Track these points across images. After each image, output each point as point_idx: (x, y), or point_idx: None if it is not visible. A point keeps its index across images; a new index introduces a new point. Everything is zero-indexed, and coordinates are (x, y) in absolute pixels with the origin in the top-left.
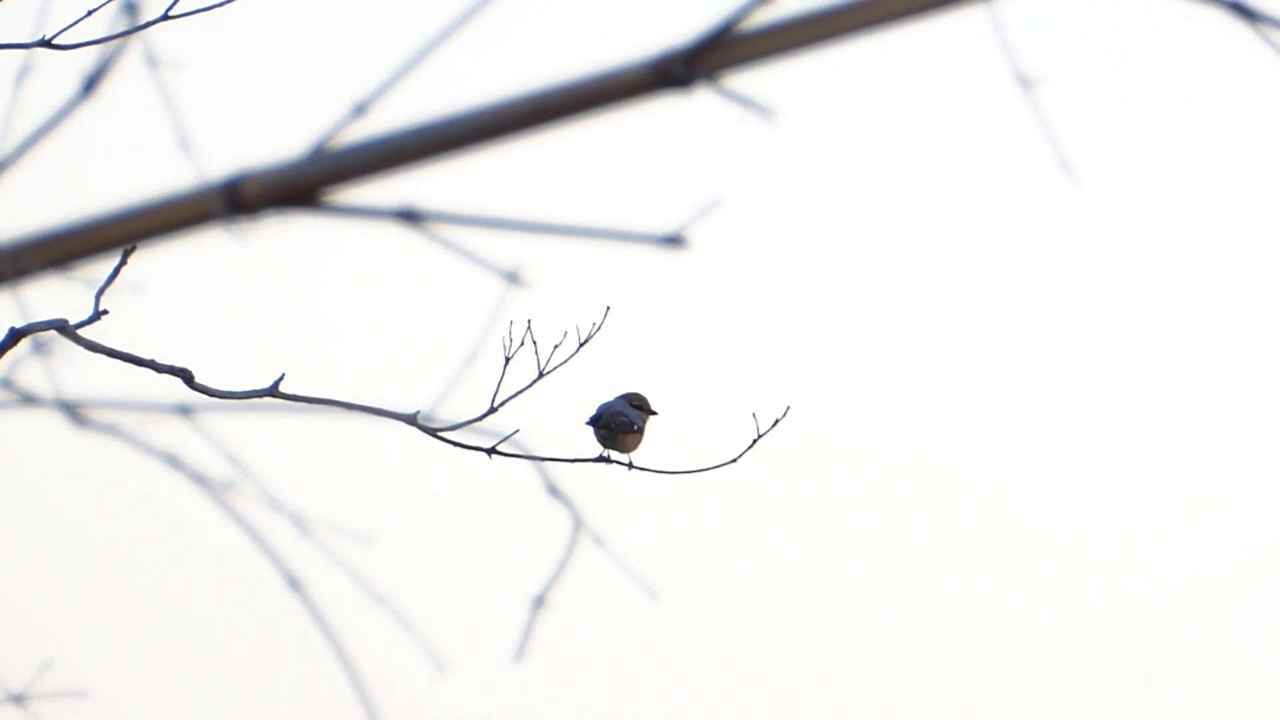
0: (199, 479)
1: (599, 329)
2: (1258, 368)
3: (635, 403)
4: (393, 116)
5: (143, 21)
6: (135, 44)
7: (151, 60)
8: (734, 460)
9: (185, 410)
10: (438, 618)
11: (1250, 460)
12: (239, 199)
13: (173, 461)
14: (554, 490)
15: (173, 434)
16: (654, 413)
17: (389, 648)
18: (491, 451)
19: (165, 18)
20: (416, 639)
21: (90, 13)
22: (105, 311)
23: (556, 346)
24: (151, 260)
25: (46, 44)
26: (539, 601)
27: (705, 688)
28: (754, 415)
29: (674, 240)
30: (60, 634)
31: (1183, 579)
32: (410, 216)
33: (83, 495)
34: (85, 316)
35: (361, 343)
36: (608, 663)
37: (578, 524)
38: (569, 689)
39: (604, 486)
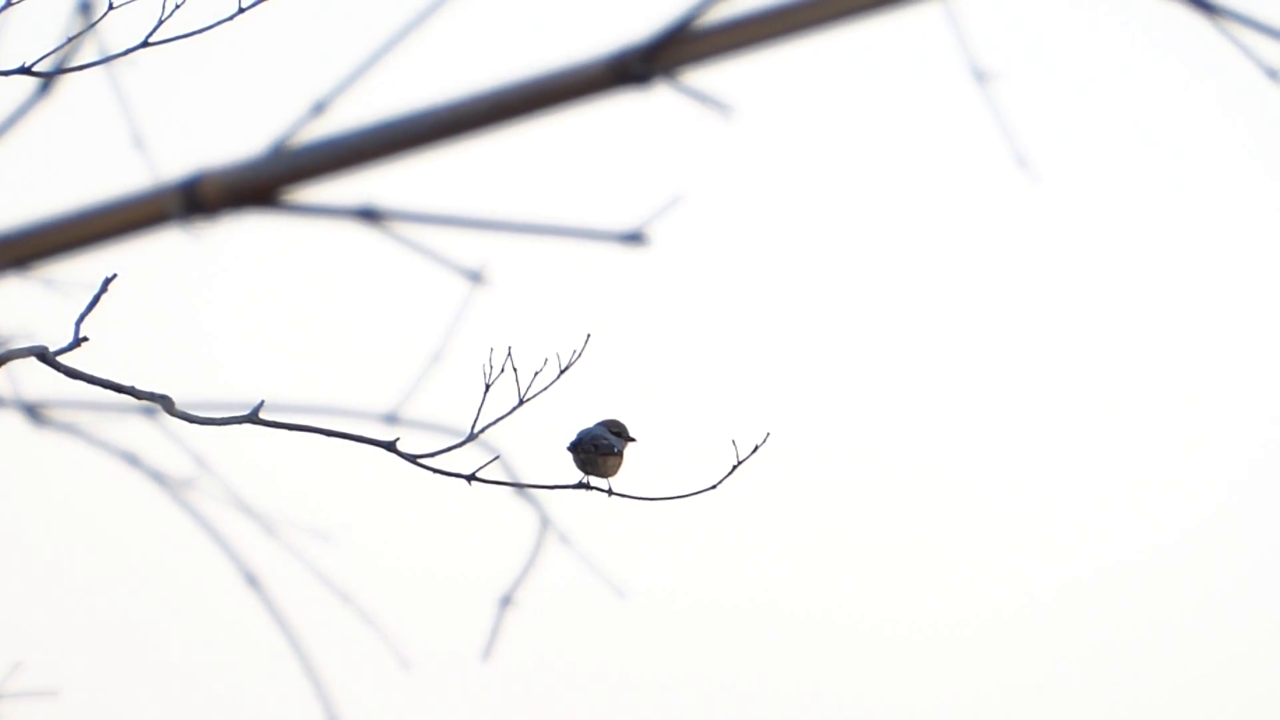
0: (157, 477)
1: (578, 357)
2: (1205, 360)
3: (614, 429)
4: (352, 115)
5: (96, 18)
6: (90, 43)
7: (106, 56)
8: (714, 486)
9: (149, 411)
10: (403, 616)
11: (1182, 450)
12: (197, 199)
13: (131, 460)
14: (521, 490)
15: (136, 435)
16: (633, 439)
17: (355, 646)
18: (471, 478)
19: (146, 44)
20: (382, 637)
21: (69, 40)
22: (85, 339)
23: (537, 373)
24: (119, 273)
25: (26, 71)
26: (506, 601)
27: (679, 711)
28: (733, 442)
29: (635, 237)
30: (28, 633)
31: (1134, 562)
32: (370, 215)
33: (43, 495)
34: (65, 344)
35: (324, 342)
36: (576, 666)
37: (545, 524)
38: (536, 690)
39: (584, 512)
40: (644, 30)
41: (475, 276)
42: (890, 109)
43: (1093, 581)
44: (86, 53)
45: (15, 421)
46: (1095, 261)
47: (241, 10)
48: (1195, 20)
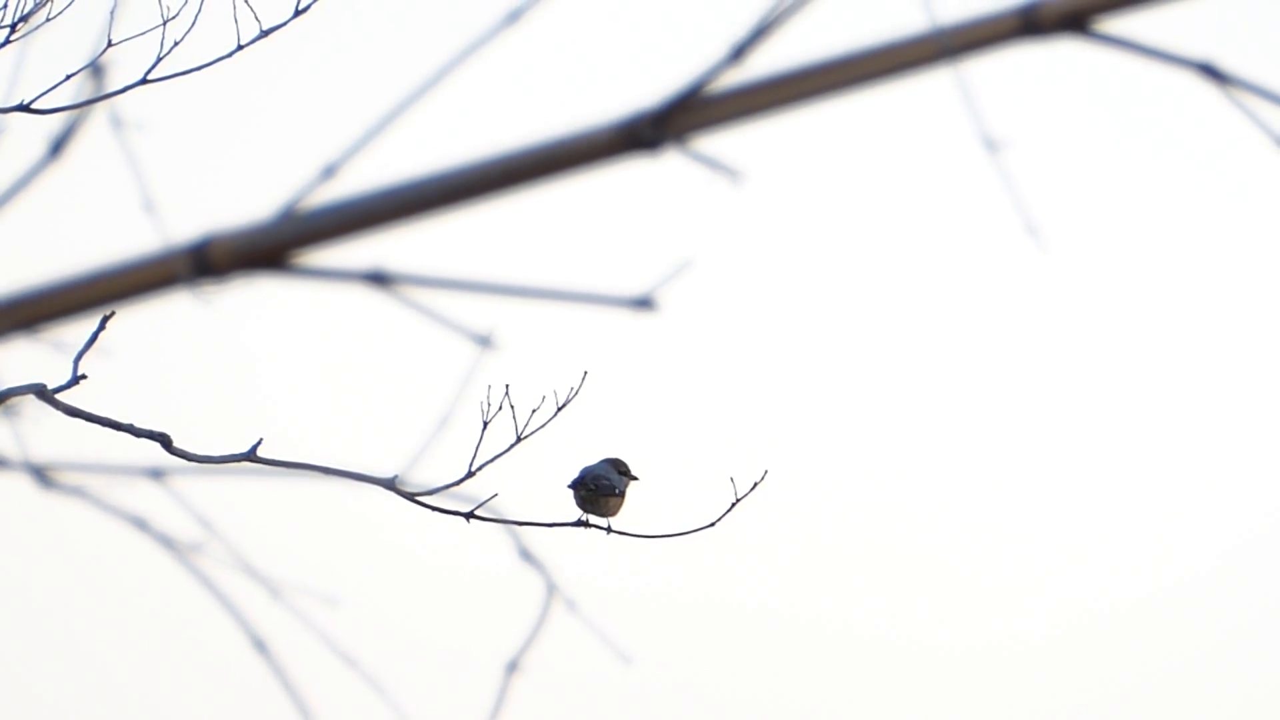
0: (166, 542)
1: (576, 393)
2: (1213, 413)
3: (620, 468)
4: (362, 178)
5: (111, 88)
6: (103, 107)
7: (117, 123)
8: (712, 524)
9: (157, 473)
10: (410, 681)
11: (1193, 489)
12: (207, 261)
13: (140, 524)
14: (527, 555)
15: (144, 497)
16: (635, 478)
17: (361, 713)
18: (470, 516)
19: (144, 81)
20: (388, 703)
21: (68, 77)
22: (84, 376)
23: (534, 411)
24: (126, 324)
25: (24, 108)
26: (512, 666)
27: None
28: (731, 480)
29: (644, 303)
30: (29, 696)
31: (1143, 597)
32: (380, 279)
33: (51, 558)
34: (63, 381)
35: (334, 407)
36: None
37: (551, 589)
38: None
39: (583, 550)
40: (654, 96)
41: (485, 341)
42: (900, 176)
43: (1101, 616)
44: (98, 115)
45: (23, 483)
46: (1111, 330)
47: (240, 48)
48: (1207, 89)
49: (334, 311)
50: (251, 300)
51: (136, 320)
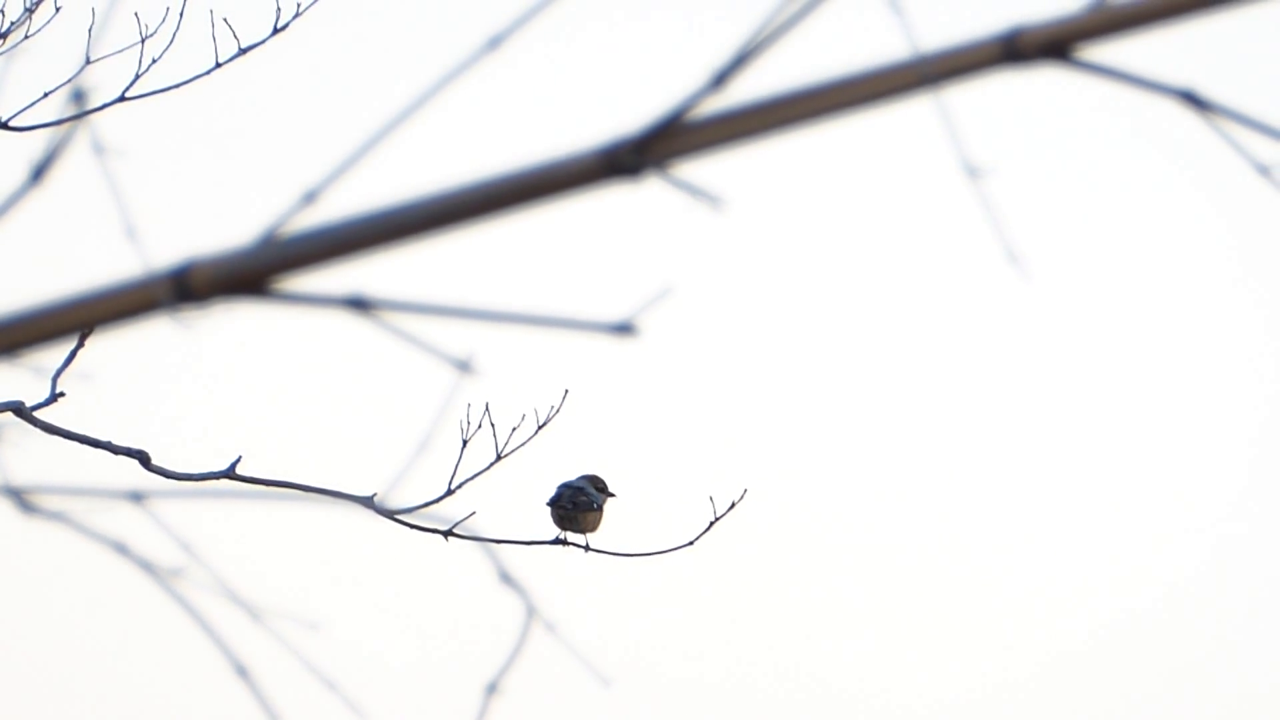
0: (147, 566)
1: (556, 413)
2: (1191, 440)
3: (596, 484)
4: (342, 204)
5: (92, 109)
6: (84, 131)
7: (98, 148)
8: (690, 543)
9: (137, 496)
10: (390, 703)
11: (1165, 514)
12: (188, 287)
13: (121, 549)
14: (507, 577)
15: (124, 520)
16: (613, 494)
17: None
18: (448, 534)
19: (122, 99)
20: None
21: (46, 94)
22: (62, 394)
23: (514, 430)
24: (106, 346)
25: (3, 126)
26: (492, 688)
27: None
28: (710, 499)
29: (624, 328)
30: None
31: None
32: (360, 304)
33: (31, 583)
34: (42, 399)
35: (314, 431)
36: None
37: (531, 611)
38: None
39: (561, 569)
40: (635, 122)
41: (464, 366)
42: (881, 203)
43: (1085, 645)
44: (78, 138)
45: (3, 508)
46: (1093, 357)
47: (219, 65)
48: (1188, 116)
49: (314, 336)
50: (231, 325)
51: (116, 343)
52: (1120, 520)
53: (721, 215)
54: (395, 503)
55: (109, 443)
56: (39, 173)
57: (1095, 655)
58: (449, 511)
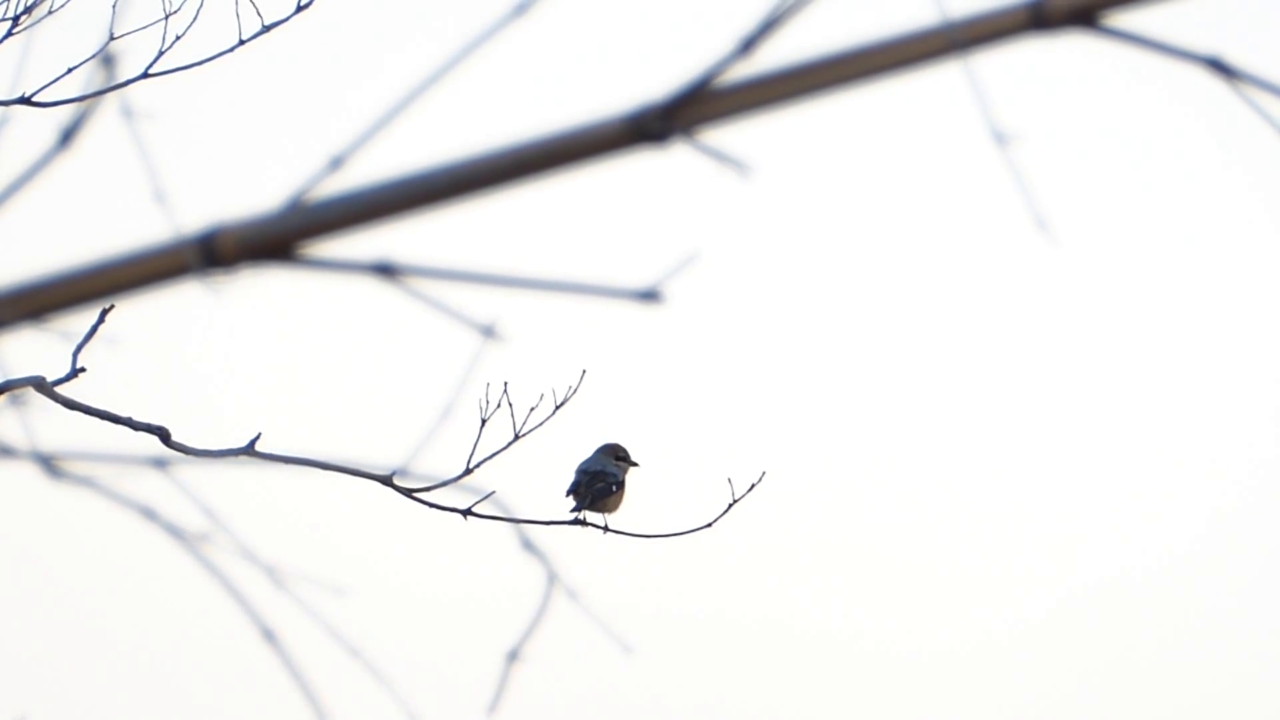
0: (175, 531)
1: (575, 391)
2: (1221, 401)
3: (616, 454)
4: (369, 170)
5: (120, 79)
6: (107, 99)
7: (128, 113)
8: (709, 525)
9: (160, 463)
10: (410, 670)
11: (1170, 474)
12: (215, 252)
13: (149, 514)
14: (529, 545)
15: (147, 487)
16: (635, 463)
17: (362, 700)
18: (467, 513)
19: (145, 75)
20: (391, 692)
21: (70, 70)
22: (83, 369)
23: (533, 409)
24: (130, 314)
25: (26, 101)
26: (513, 655)
27: None
28: (729, 480)
29: (650, 295)
30: (37, 686)
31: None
32: (386, 270)
33: (59, 547)
34: (63, 374)
35: (338, 396)
36: (581, 716)
37: (552, 578)
38: None
39: (580, 548)
40: (663, 88)
41: (489, 331)
42: (909, 170)
43: (1085, 600)
44: (106, 105)
45: (31, 473)
46: (1120, 323)
47: (242, 43)
48: (1215, 84)
49: (338, 303)
50: (257, 290)
51: (141, 310)
52: (1146, 487)
53: (749, 182)
54: (415, 478)
55: (129, 419)
56: (67, 137)
57: (1100, 608)
58: (469, 486)
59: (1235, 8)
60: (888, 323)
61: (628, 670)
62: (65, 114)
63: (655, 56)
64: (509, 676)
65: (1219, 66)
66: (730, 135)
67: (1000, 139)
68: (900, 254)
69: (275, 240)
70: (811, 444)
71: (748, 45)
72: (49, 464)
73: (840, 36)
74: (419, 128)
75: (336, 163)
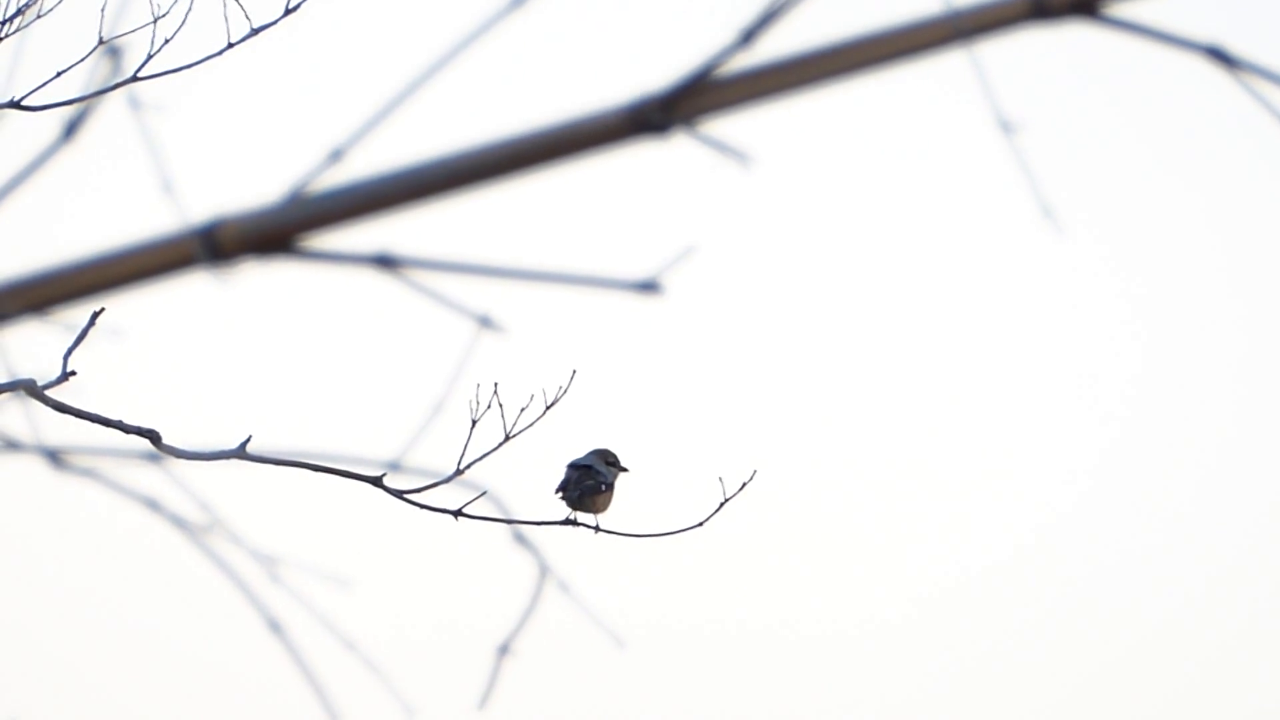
0: (179, 522)
1: (564, 392)
2: (1225, 393)
3: (606, 459)
4: (369, 162)
5: (125, 75)
6: (113, 95)
7: (135, 104)
8: (700, 524)
9: (155, 457)
10: (405, 663)
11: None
12: (216, 244)
13: (153, 505)
14: (520, 538)
15: (145, 483)
16: (624, 469)
17: (358, 692)
18: (458, 514)
19: (135, 78)
20: (386, 684)
21: (59, 74)
22: (73, 373)
23: (523, 409)
24: (123, 308)
25: (16, 105)
26: (504, 649)
27: None
28: (720, 479)
29: (649, 286)
30: (42, 676)
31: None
32: (386, 262)
33: (63, 538)
34: (53, 377)
35: (336, 387)
36: (573, 713)
37: (544, 570)
38: None
39: (571, 547)
40: (663, 79)
41: (487, 322)
42: (910, 160)
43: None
44: (112, 100)
45: (35, 465)
46: (1125, 311)
47: (230, 45)
48: (1216, 73)
49: (340, 294)
50: (258, 282)
51: (133, 307)
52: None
53: (749, 173)
54: (406, 478)
55: (120, 422)
56: (71, 129)
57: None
58: (460, 484)
59: None
60: (888, 316)
61: (619, 667)
62: (65, 113)
63: (655, 47)
64: (500, 670)
65: (1219, 55)
66: (731, 126)
67: (1006, 127)
68: (904, 246)
69: (276, 232)
70: (807, 443)
71: (748, 36)
72: (54, 456)
73: (841, 26)
74: (419, 120)
75: (337, 155)
